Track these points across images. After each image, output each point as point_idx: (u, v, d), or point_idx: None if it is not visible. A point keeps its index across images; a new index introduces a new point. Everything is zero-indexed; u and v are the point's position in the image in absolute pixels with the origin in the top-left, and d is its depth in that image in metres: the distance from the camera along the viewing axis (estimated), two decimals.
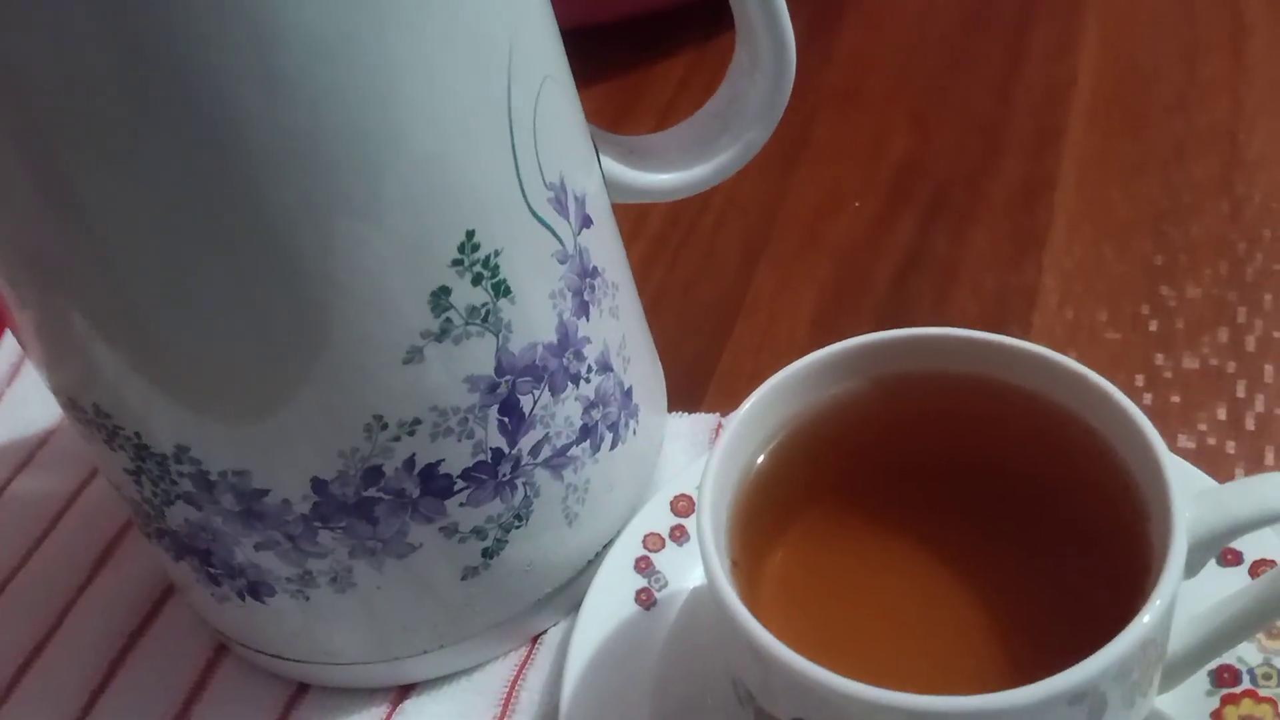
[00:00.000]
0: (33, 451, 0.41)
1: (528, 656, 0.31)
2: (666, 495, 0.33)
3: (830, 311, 0.40)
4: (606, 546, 0.32)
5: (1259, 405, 0.35)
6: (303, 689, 0.32)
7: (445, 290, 0.25)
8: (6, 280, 0.25)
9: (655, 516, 0.32)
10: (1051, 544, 0.26)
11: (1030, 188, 0.43)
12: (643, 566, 0.31)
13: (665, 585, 0.31)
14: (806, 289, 0.41)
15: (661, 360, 0.36)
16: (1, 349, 0.45)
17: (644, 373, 0.33)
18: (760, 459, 0.27)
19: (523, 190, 0.26)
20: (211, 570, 0.29)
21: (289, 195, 0.23)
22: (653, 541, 0.32)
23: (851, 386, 0.27)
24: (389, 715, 0.31)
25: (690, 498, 0.33)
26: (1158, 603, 0.22)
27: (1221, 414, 0.35)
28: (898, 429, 0.27)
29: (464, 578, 0.29)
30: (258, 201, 0.23)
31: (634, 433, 0.32)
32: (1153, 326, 0.38)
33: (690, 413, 0.37)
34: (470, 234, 0.25)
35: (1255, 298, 0.37)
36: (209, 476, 0.26)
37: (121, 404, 0.26)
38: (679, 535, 0.32)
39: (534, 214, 0.26)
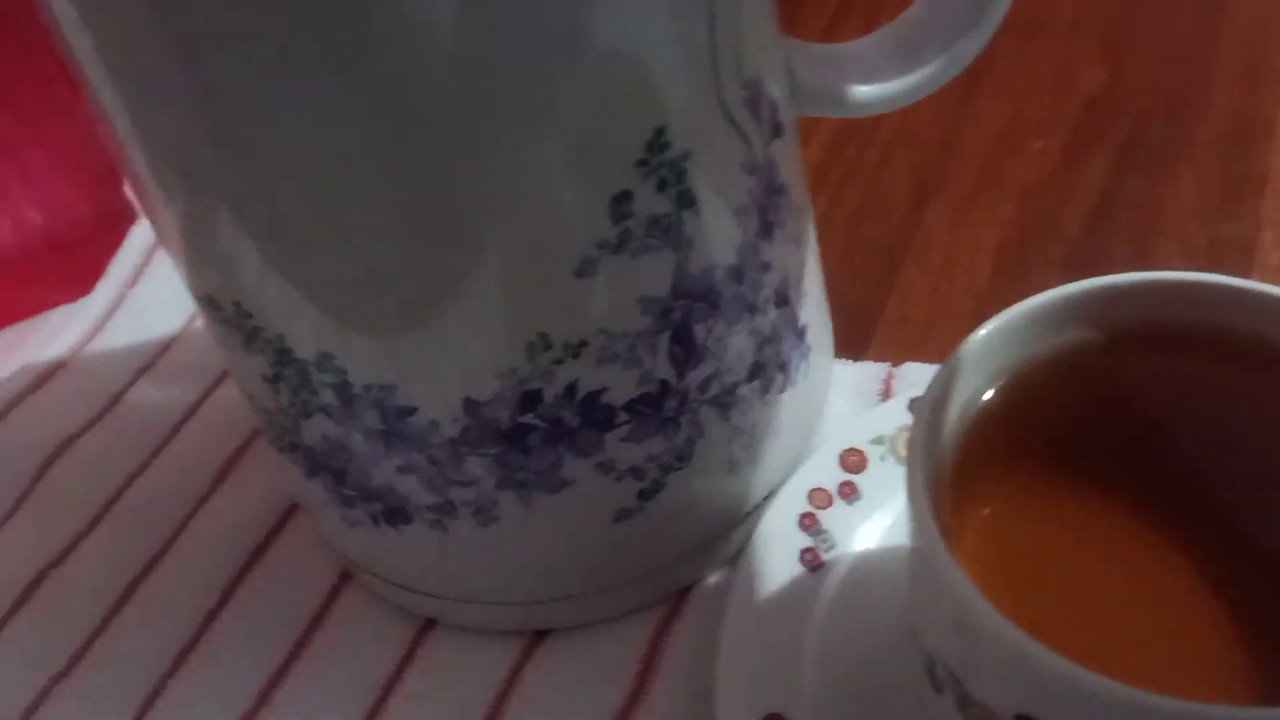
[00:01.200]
0: (154, 358, 0.40)
1: (675, 610, 0.29)
2: (835, 448, 0.29)
3: (1013, 257, 0.36)
4: (768, 498, 0.29)
5: None
6: (430, 625, 0.30)
7: (627, 195, 0.22)
8: (151, 172, 0.23)
9: (823, 470, 0.29)
10: None
11: (1243, 128, 0.38)
12: (808, 524, 0.28)
13: (833, 547, 0.28)
14: (986, 231, 0.37)
15: None
16: (125, 250, 0.43)
17: (816, 311, 0.30)
18: (971, 412, 0.23)
19: (718, 85, 0.23)
20: (345, 491, 0.27)
21: (453, 78, 0.20)
22: (819, 498, 0.29)
23: (1079, 336, 0.24)
24: (520, 662, 0.29)
25: (861, 452, 0.29)
26: None
27: None
28: (1133, 387, 0.24)
29: (616, 520, 0.26)
30: (417, 85, 0.20)
31: (804, 376, 0.29)
32: None
33: (855, 360, 0.34)
34: (659, 131, 0.22)
35: None
36: (352, 389, 0.24)
37: (264, 305, 0.23)
38: (849, 493, 0.29)
39: (728, 114, 0.23)
